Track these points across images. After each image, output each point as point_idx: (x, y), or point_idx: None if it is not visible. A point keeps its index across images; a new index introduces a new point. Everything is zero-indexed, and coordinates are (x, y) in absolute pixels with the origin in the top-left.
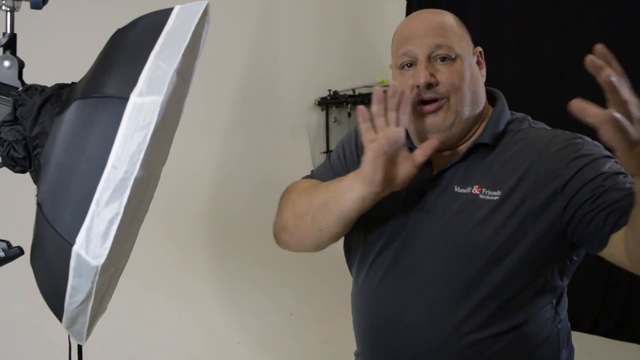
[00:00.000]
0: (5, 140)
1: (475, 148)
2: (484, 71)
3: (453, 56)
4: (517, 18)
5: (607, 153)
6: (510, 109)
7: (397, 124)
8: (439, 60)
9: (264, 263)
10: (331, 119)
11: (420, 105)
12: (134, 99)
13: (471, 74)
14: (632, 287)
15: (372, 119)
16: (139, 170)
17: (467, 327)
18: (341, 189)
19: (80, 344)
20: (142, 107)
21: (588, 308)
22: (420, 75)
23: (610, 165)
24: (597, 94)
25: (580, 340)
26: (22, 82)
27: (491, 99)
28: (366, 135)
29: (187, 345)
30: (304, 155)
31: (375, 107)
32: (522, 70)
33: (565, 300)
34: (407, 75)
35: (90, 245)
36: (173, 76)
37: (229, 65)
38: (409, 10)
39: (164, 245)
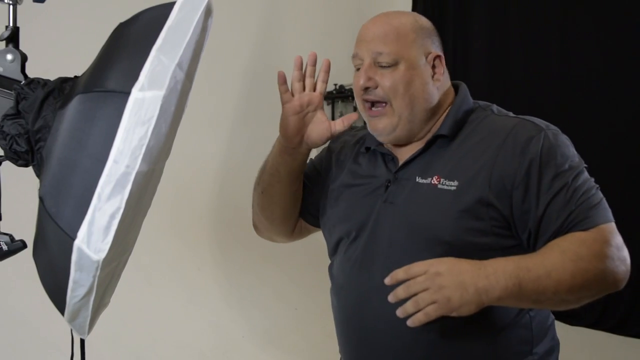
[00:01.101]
0: (7, 134)
1: (435, 139)
2: (440, 75)
3: (394, 63)
4: (523, 17)
5: (568, 154)
6: (515, 107)
7: (314, 89)
8: (382, 66)
9: (269, 258)
10: (337, 113)
11: (369, 109)
12: (135, 93)
13: (414, 78)
14: (638, 283)
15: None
16: (140, 165)
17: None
18: (271, 152)
19: (82, 337)
20: (144, 101)
21: (593, 304)
22: (360, 78)
23: (567, 178)
24: (602, 92)
25: (585, 336)
26: (25, 76)
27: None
28: (283, 97)
29: (191, 339)
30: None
31: (295, 72)
32: (527, 69)
33: None
34: (357, 76)
35: (92, 239)
36: (175, 70)
37: (234, 59)
38: (415, 4)
39: (169, 239)
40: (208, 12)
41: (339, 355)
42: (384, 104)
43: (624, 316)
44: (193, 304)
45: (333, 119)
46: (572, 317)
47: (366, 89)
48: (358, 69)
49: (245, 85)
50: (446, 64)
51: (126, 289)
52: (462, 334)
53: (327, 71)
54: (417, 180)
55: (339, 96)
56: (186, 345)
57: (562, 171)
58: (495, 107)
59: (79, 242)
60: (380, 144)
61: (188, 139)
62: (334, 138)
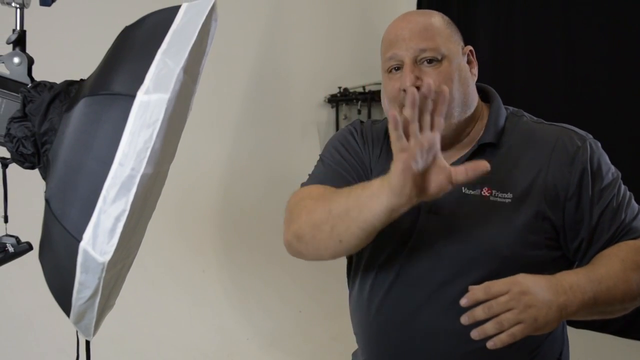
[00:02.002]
0: (14, 137)
1: (481, 147)
2: (475, 70)
3: (439, 58)
4: (527, 17)
5: (609, 168)
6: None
7: (432, 128)
8: (425, 63)
9: (273, 260)
10: (341, 116)
11: None
12: (140, 96)
13: (460, 74)
14: None
15: (404, 126)
16: (145, 167)
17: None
18: (365, 197)
19: (87, 339)
20: (149, 104)
21: None
22: (407, 79)
23: (613, 193)
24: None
25: (591, 339)
26: (32, 79)
27: (484, 96)
28: (398, 144)
29: (196, 341)
30: (313, 152)
31: (409, 111)
32: (532, 70)
33: None
34: (394, 79)
35: (97, 241)
36: (180, 74)
37: (239, 62)
38: (419, 6)
39: (174, 241)
40: (212, 15)
41: (342, 358)
42: None
43: (631, 319)
44: (197, 306)
45: (337, 122)
46: (577, 321)
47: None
48: (391, 71)
49: (250, 89)
50: None
51: (131, 291)
52: (506, 349)
53: (446, 103)
54: (463, 190)
55: (343, 99)
56: (190, 347)
57: (609, 181)
58: (525, 113)
59: (85, 244)
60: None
61: (193, 142)
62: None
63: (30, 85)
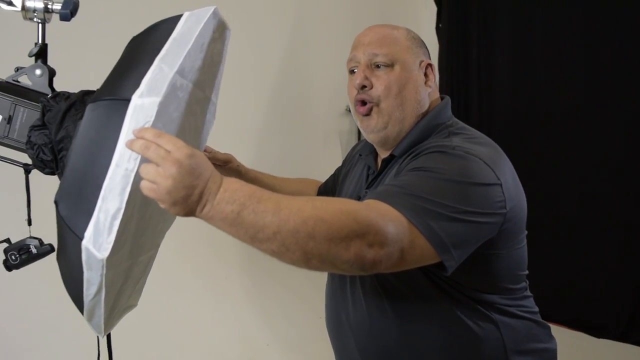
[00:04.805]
0: (35, 144)
1: (391, 159)
2: (431, 82)
3: (390, 63)
4: (547, 27)
5: (429, 166)
6: (539, 119)
7: None
8: (378, 67)
9: (294, 267)
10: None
11: (360, 106)
12: (135, 100)
13: (408, 81)
14: None
15: None
16: (139, 167)
17: (383, 325)
18: None
19: (99, 336)
20: (142, 107)
21: (617, 316)
22: (357, 78)
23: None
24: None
25: (610, 349)
26: (52, 89)
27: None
28: None
29: (218, 346)
30: (335, 161)
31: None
32: (551, 80)
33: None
34: (351, 79)
35: (98, 239)
36: (174, 77)
37: (262, 72)
38: (439, 17)
39: (197, 247)
40: (221, 24)
41: None
42: (371, 103)
43: (631, 323)
44: (219, 312)
45: (358, 131)
46: (597, 329)
47: (362, 88)
48: (352, 72)
49: (273, 98)
50: (470, 75)
51: (154, 296)
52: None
53: None
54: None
55: None
56: (212, 351)
57: (411, 168)
58: (457, 129)
59: (86, 242)
60: (370, 154)
61: (218, 150)
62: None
63: (50, 95)
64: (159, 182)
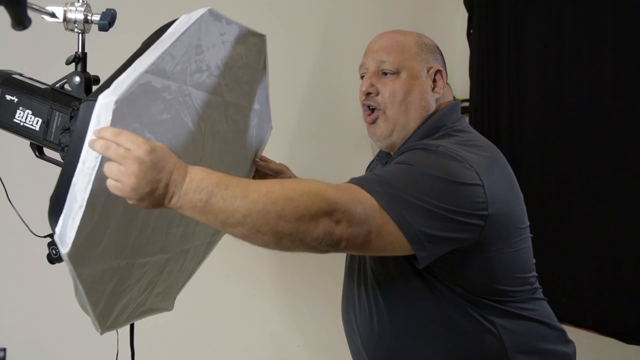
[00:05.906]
0: (65, 146)
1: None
2: (438, 89)
3: (396, 71)
4: (577, 32)
5: (412, 162)
6: (571, 126)
7: None
8: (385, 74)
9: (324, 268)
10: None
11: (367, 115)
12: (100, 99)
13: (413, 88)
14: None
15: None
16: (101, 165)
17: (381, 325)
18: None
19: (99, 333)
20: (104, 107)
21: None
22: (363, 84)
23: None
24: None
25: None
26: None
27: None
28: None
29: (248, 346)
30: (366, 166)
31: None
32: (581, 83)
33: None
34: (361, 85)
35: (64, 235)
36: (144, 77)
37: (295, 78)
38: (470, 23)
39: (229, 251)
40: (208, 21)
41: None
42: (377, 111)
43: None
44: (251, 313)
45: None
46: (629, 336)
47: (368, 95)
48: (362, 77)
49: (305, 103)
50: (500, 82)
51: (187, 298)
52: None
53: None
54: None
55: None
56: (243, 352)
57: (395, 162)
58: (454, 130)
59: (56, 237)
60: (385, 156)
61: None
62: None
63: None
64: (123, 180)
